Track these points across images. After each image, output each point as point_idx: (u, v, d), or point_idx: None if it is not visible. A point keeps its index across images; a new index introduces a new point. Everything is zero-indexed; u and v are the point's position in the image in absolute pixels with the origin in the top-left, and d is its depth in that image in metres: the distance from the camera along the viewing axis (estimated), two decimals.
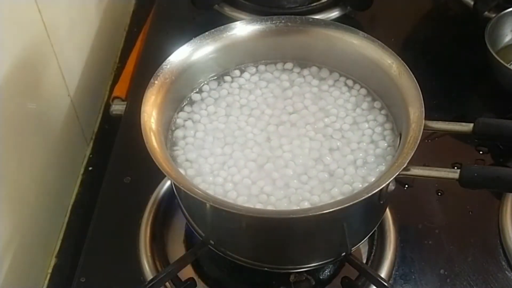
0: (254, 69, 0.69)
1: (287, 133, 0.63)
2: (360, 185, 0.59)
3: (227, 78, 0.68)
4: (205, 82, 0.68)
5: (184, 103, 0.66)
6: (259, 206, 0.57)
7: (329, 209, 0.52)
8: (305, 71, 0.69)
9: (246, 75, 0.69)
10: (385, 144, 0.62)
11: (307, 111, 0.65)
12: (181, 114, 0.65)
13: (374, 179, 0.59)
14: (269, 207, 0.57)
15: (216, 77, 0.68)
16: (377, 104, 0.65)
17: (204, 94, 0.67)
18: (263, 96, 0.67)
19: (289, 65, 0.69)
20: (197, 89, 0.67)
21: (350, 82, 0.67)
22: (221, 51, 0.67)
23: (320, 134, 0.63)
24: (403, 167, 0.54)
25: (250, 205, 0.58)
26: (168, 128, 0.63)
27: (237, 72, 0.69)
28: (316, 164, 0.60)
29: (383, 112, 0.65)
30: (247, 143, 0.62)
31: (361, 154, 0.61)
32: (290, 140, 0.62)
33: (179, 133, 0.64)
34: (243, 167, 0.60)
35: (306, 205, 0.57)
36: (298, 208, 0.57)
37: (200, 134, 0.64)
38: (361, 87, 0.67)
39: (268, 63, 0.69)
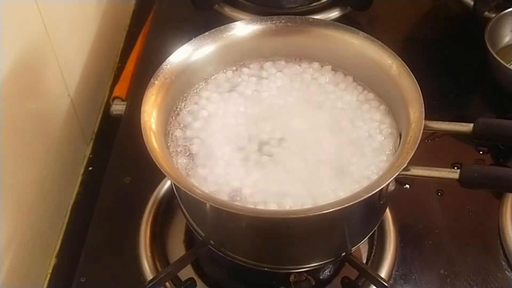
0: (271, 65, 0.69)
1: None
2: (370, 172, 0.59)
3: (245, 70, 0.69)
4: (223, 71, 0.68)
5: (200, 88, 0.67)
6: (286, 200, 0.58)
7: (329, 209, 0.52)
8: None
9: (264, 73, 0.69)
10: (385, 139, 0.62)
11: (315, 107, 0.65)
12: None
13: (380, 169, 0.59)
14: (289, 199, 0.57)
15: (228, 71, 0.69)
16: (377, 103, 0.65)
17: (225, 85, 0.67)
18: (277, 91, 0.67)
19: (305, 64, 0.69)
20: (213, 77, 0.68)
21: (350, 79, 0.68)
22: (221, 51, 0.66)
23: (328, 130, 0.63)
24: (403, 167, 0.54)
25: (275, 196, 0.58)
26: (167, 126, 0.63)
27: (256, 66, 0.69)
28: (330, 158, 0.61)
29: (382, 107, 0.65)
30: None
31: (364, 149, 0.61)
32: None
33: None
34: (266, 158, 0.61)
35: (325, 190, 0.57)
36: (300, 208, 0.57)
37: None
38: (364, 89, 0.67)
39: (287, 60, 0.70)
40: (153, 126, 0.58)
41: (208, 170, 0.60)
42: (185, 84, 0.66)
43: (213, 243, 0.63)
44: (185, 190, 0.54)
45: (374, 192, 0.53)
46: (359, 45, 0.65)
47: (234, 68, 0.69)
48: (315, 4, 0.98)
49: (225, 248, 0.62)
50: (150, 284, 0.62)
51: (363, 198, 0.52)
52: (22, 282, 0.72)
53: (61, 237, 0.81)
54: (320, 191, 0.58)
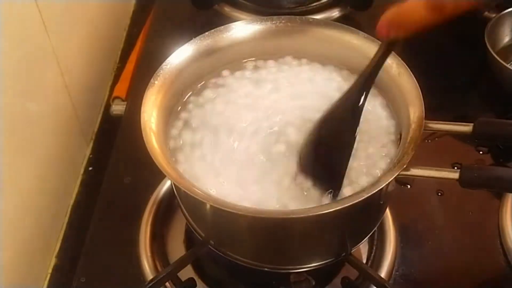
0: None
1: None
2: (370, 172, 0.59)
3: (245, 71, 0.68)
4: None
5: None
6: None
7: (329, 209, 0.52)
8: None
9: (264, 73, 0.68)
10: (385, 139, 0.62)
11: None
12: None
13: (380, 170, 0.59)
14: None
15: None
16: (378, 103, 0.65)
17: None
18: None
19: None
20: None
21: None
22: (221, 51, 0.67)
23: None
24: (403, 167, 0.54)
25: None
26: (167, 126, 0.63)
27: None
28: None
29: (382, 108, 0.65)
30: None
31: (364, 149, 0.61)
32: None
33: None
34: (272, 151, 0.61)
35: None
36: (299, 208, 0.57)
37: None
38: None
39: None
40: (153, 126, 0.58)
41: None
42: (185, 84, 0.66)
43: (213, 243, 0.63)
44: (185, 190, 0.54)
45: (374, 192, 0.53)
46: (359, 45, 0.65)
47: (234, 68, 0.69)
48: (315, 4, 0.98)
49: (225, 248, 0.62)
50: (150, 284, 0.62)
51: (363, 198, 0.52)
52: (22, 282, 0.72)
53: (61, 237, 0.81)
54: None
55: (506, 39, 0.89)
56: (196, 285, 0.67)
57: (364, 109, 0.65)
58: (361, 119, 0.64)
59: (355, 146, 0.62)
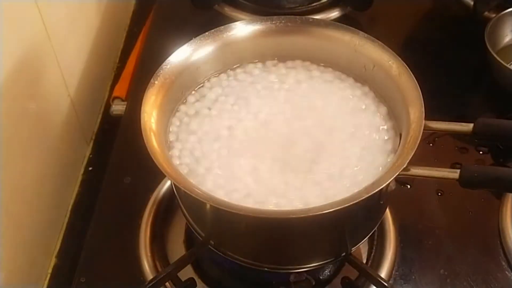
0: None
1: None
2: (369, 173, 0.59)
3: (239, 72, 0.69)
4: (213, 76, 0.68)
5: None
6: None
7: (329, 209, 0.52)
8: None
9: (263, 73, 0.68)
10: (385, 139, 0.62)
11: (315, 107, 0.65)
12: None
13: (380, 170, 0.59)
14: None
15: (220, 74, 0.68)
16: (378, 103, 0.65)
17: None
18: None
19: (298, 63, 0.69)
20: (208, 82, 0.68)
21: (351, 81, 0.67)
22: (221, 51, 0.66)
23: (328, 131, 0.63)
24: (403, 167, 0.54)
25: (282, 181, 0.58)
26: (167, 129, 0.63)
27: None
28: (329, 158, 0.61)
29: (382, 107, 0.65)
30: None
31: (364, 149, 0.61)
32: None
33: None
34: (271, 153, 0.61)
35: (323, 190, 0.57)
36: (299, 208, 0.57)
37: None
38: (365, 89, 0.67)
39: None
40: (153, 126, 0.58)
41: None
42: (185, 84, 0.66)
43: (213, 243, 0.63)
44: (185, 190, 0.54)
45: (374, 192, 0.53)
46: (359, 45, 0.65)
47: (234, 68, 0.69)
48: (315, 4, 0.98)
49: (225, 248, 0.62)
50: (150, 284, 0.62)
51: (363, 198, 0.52)
52: (22, 282, 0.72)
53: (61, 237, 0.81)
54: (317, 191, 0.58)
55: (506, 39, 0.89)
56: (196, 285, 0.67)
57: (363, 108, 0.65)
58: (359, 119, 0.64)
59: (354, 147, 0.62)
